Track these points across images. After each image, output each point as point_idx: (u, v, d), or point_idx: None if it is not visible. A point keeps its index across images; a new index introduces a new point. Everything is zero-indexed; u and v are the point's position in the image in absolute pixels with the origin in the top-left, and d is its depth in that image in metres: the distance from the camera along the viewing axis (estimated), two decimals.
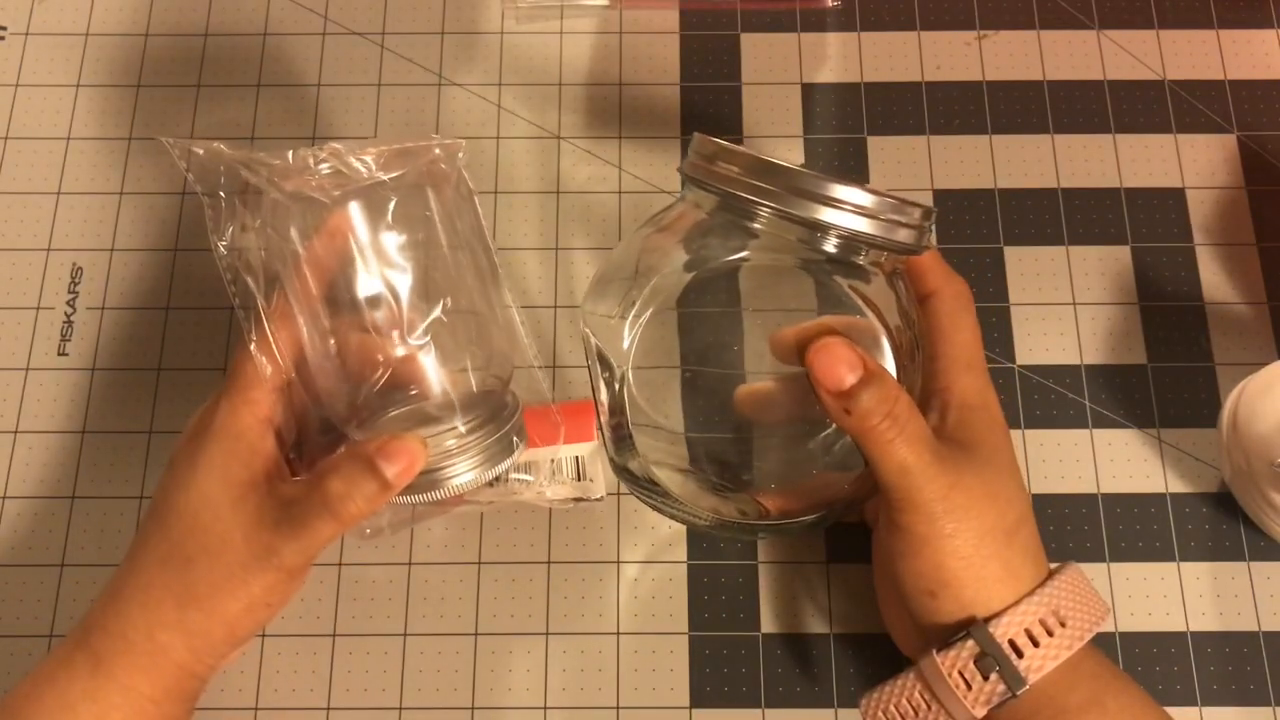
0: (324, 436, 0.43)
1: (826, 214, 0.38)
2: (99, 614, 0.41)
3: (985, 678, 0.39)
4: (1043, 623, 0.39)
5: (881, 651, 0.48)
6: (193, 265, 0.55)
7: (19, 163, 0.57)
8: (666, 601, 0.49)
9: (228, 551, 0.39)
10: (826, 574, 0.50)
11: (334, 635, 0.49)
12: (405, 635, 0.49)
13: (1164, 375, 0.53)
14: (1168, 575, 0.49)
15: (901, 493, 0.39)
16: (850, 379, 0.38)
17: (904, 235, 0.39)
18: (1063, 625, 0.39)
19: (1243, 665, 0.48)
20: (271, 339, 0.41)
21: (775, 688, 0.48)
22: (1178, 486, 0.51)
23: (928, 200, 0.55)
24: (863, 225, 0.38)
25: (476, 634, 0.49)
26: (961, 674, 0.39)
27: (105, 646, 0.40)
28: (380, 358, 0.41)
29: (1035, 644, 0.39)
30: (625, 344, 0.42)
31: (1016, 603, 0.39)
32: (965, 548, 0.39)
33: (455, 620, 0.49)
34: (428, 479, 0.41)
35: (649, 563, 0.50)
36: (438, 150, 0.43)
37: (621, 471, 0.45)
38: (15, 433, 0.52)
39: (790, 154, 0.56)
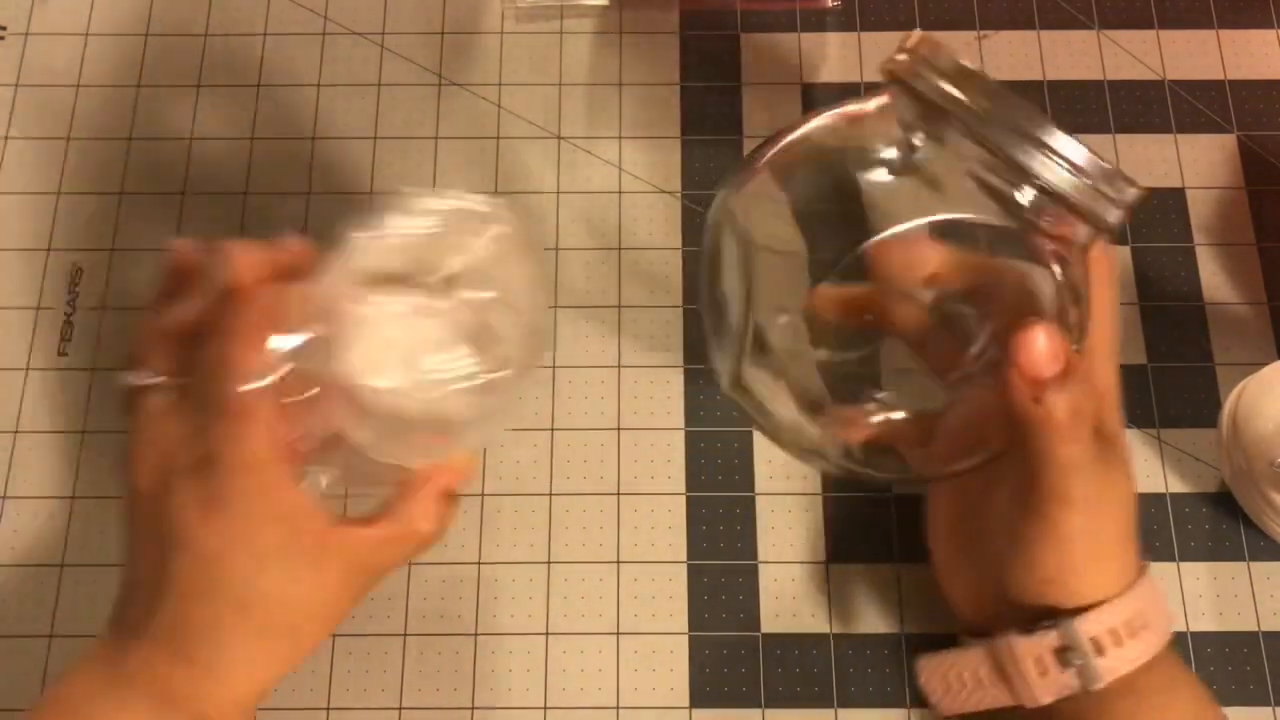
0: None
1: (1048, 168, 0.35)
2: (188, 685, 0.39)
3: (1063, 669, 0.39)
4: (1127, 624, 0.39)
5: (882, 651, 0.48)
6: None
7: (19, 163, 0.57)
8: (666, 601, 0.49)
9: (332, 606, 0.41)
10: (827, 574, 0.50)
11: (334, 635, 0.49)
12: (405, 635, 0.49)
13: (1164, 375, 0.53)
14: (1167, 575, 0.49)
15: (1058, 488, 0.39)
16: (1052, 370, 0.37)
17: (1112, 215, 0.37)
18: (1144, 629, 0.39)
19: (1243, 665, 0.48)
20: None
21: (775, 688, 0.48)
22: (1178, 486, 0.51)
23: None
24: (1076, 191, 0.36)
25: (476, 634, 0.49)
26: (1038, 660, 0.39)
27: (212, 713, 0.39)
28: None
29: (1119, 644, 0.38)
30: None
31: (1106, 601, 0.39)
32: (1100, 545, 0.39)
33: (455, 620, 0.49)
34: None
35: (649, 563, 0.50)
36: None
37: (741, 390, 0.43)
38: (15, 433, 0.52)
39: None
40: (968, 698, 0.41)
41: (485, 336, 0.40)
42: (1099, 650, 0.38)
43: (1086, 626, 0.39)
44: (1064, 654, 0.39)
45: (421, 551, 0.44)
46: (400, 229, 0.40)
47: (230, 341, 0.38)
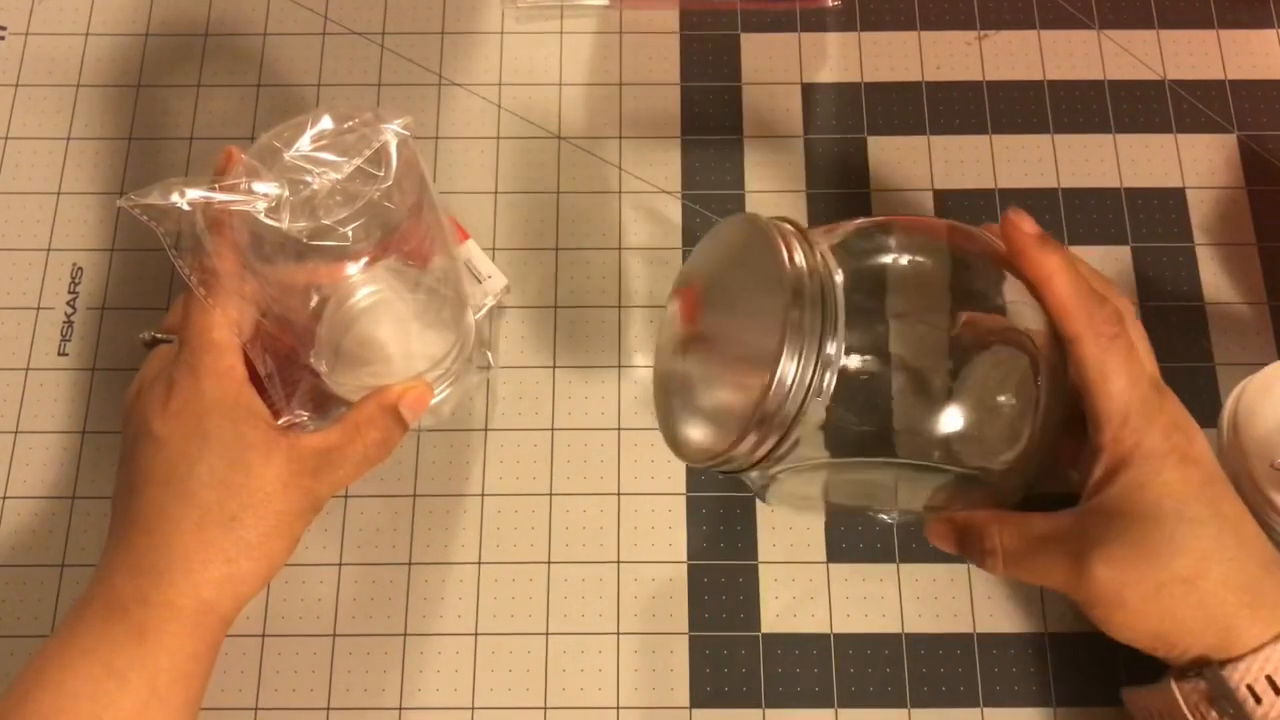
0: (287, 368, 0.45)
1: None
2: (130, 586, 0.41)
3: (1220, 716, 0.38)
4: None
5: (881, 651, 0.48)
6: None
7: (19, 163, 0.57)
8: (666, 601, 0.49)
9: (273, 502, 0.42)
10: (827, 574, 0.50)
11: (334, 635, 0.49)
12: (405, 635, 0.49)
13: (1164, 375, 0.52)
14: None
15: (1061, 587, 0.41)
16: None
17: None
18: None
19: None
20: (227, 295, 0.42)
21: (775, 688, 0.48)
22: None
23: (928, 201, 0.55)
24: None
25: (476, 634, 0.49)
26: (1199, 706, 0.39)
27: (150, 616, 0.40)
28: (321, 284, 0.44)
29: (1277, 690, 0.37)
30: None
31: (1259, 647, 0.38)
32: (1235, 590, 0.39)
33: (455, 620, 0.49)
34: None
35: (649, 563, 0.50)
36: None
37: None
38: (15, 433, 0.52)
39: (790, 154, 0.56)
40: None
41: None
42: (1256, 698, 0.38)
43: (1237, 674, 0.38)
44: (1219, 703, 0.38)
45: (366, 466, 0.44)
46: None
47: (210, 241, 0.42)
